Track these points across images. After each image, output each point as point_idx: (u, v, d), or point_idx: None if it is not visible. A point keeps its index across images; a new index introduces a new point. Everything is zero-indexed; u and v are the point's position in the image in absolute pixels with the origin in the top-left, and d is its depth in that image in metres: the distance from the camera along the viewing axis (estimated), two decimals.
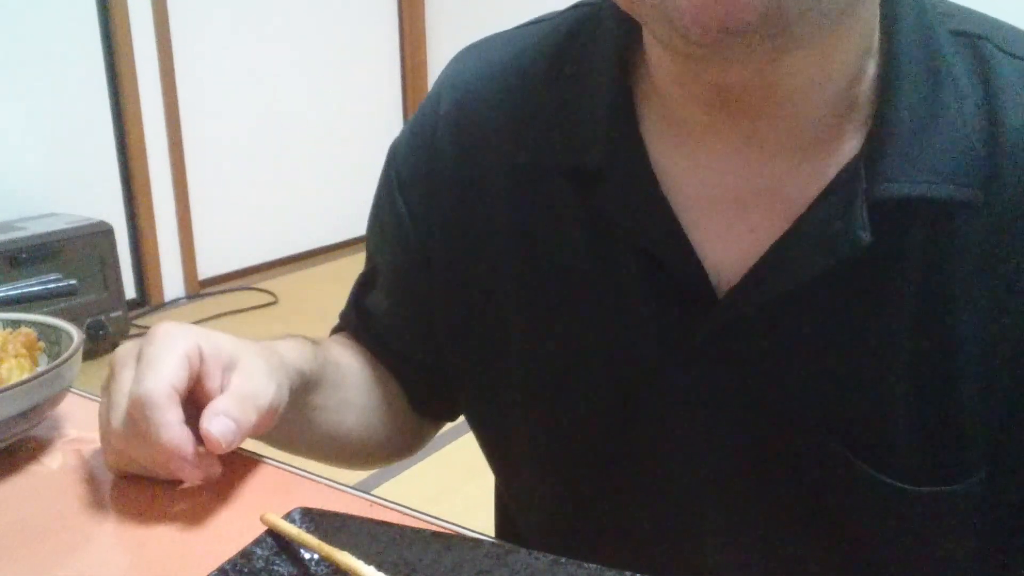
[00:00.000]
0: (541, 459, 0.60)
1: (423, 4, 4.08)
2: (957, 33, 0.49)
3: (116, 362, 0.50)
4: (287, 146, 3.66)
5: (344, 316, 0.71)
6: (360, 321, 0.68)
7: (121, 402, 0.48)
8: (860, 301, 0.48)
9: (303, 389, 0.57)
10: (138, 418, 0.46)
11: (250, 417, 0.48)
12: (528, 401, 0.58)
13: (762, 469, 0.52)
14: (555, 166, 0.54)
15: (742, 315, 0.49)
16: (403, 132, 0.64)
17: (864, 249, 0.46)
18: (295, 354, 0.57)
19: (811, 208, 0.48)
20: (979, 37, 0.49)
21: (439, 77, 0.63)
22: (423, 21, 4.10)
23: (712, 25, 0.40)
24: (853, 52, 0.47)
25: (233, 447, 0.48)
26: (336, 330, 0.72)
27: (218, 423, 0.47)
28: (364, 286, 0.68)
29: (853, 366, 0.49)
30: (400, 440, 0.70)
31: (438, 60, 4.05)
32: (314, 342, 0.63)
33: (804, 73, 0.46)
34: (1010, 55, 0.48)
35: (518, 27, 0.62)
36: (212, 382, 0.49)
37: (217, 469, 0.49)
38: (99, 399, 0.53)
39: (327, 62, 3.78)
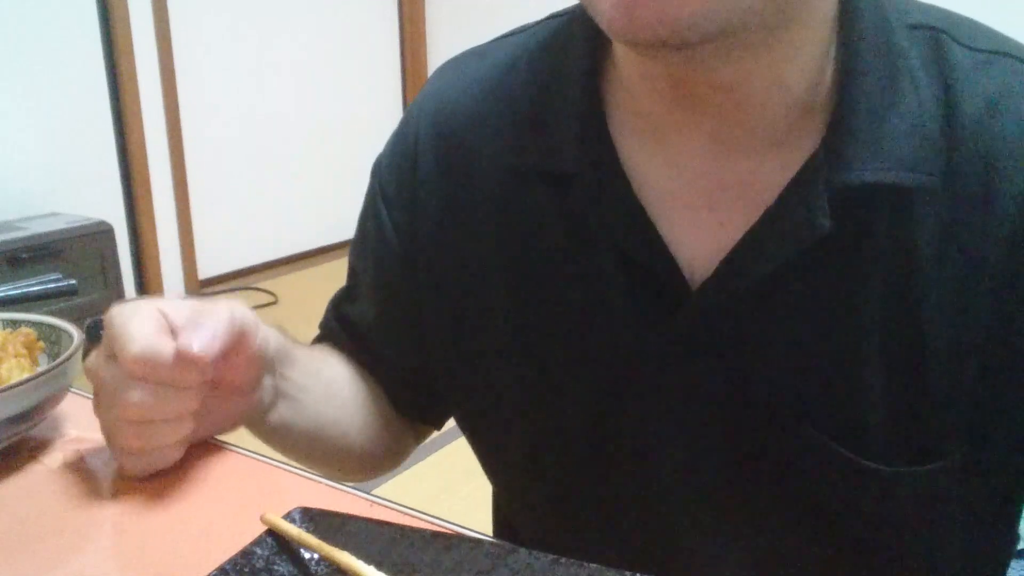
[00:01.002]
0: (529, 459, 0.61)
1: (423, 4, 4.08)
2: (914, 27, 0.50)
3: (90, 366, 0.52)
4: (287, 146, 3.66)
5: (324, 327, 0.72)
6: (344, 331, 0.69)
7: (106, 378, 0.49)
8: (829, 288, 0.50)
9: (282, 356, 0.58)
10: (123, 371, 0.48)
11: (224, 323, 0.50)
12: (514, 401, 0.59)
13: (742, 457, 0.53)
14: (532, 170, 0.55)
15: (715, 306, 0.51)
16: (385, 147, 0.65)
17: (826, 235, 0.48)
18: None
19: (777, 200, 0.49)
20: (936, 30, 0.50)
21: (420, 92, 0.64)
22: (423, 21, 4.10)
23: (620, 33, 0.44)
24: (811, 54, 0.48)
25: (214, 350, 0.49)
26: (317, 340, 0.72)
27: (190, 334, 0.48)
28: (345, 299, 0.70)
29: (825, 351, 0.50)
30: (386, 444, 0.71)
31: (438, 60, 4.03)
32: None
33: (761, 76, 0.48)
34: (965, 47, 0.50)
35: (495, 40, 0.63)
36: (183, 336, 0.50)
37: (208, 369, 0.50)
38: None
39: (327, 62, 3.78)
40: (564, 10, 0.59)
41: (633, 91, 0.53)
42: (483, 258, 0.58)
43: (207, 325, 0.49)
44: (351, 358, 0.69)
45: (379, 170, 0.65)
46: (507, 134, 0.57)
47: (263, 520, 0.43)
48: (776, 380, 0.51)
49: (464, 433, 0.66)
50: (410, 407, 0.70)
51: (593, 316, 0.54)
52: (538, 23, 0.61)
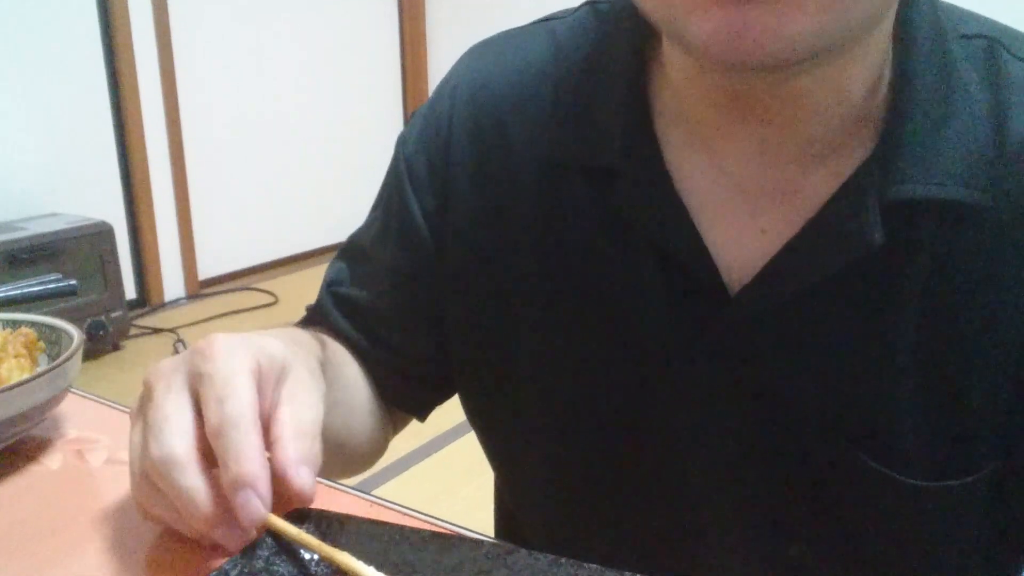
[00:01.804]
0: (548, 454, 0.60)
1: (423, 4, 4.08)
2: (969, 37, 0.49)
3: (157, 380, 0.43)
4: (287, 146, 3.66)
5: (318, 309, 0.66)
6: (343, 315, 0.65)
7: (165, 428, 0.40)
8: (869, 301, 0.49)
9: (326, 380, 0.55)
10: (220, 442, 0.40)
11: (318, 452, 0.43)
12: (538, 396, 0.58)
13: (771, 465, 0.53)
14: (572, 164, 0.54)
15: (754, 313, 0.50)
16: (412, 127, 0.63)
17: (875, 249, 0.47)
18: (313, 348, 0.55)
19: (824, 209, 0.48)
20: (990, 40, 0.49)
21: (451, 72, 0.62)
22: (423, 21, 4.10)
23: (722, 58, 0.41)
24: (870, 67, 0.47)
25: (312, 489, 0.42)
26: (304, 322, 0.68)
27: (306, 474, 0.41)
28: (345, 283, 0.65)
29: (862, 364, 0.50)
30: (374, 439, 0.68)
31: (438, 60, 4.06)
32: (311, 334, 0.60)
33: (820, 90, 0.47)
34: (1019, 59, 0.49)
35: (529, 25, 0.61)
36: (266, 401, 0.42)
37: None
38: (99, 399, 0.53)
39: (327, 62, 3.78)
40: (597, 0, 0.58)
41: (681, 95, 0.52)
42: (516, 250, 0.57)
43: (312, 456, 0.41)
44: (341, 343, 0.65)
45: (406, 148, 0.62)
46: (549, 125, 0.56)
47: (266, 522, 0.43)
48: (809, 391, 0.50)
49: (474, 426, 0.65)
50: (401, 396, 0.67)
51: (627, 314, 0.54)
52: (573, 12, 0.59)
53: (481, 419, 0.64)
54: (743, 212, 0.51)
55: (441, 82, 0.63)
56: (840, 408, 0.50)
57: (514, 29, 0.62)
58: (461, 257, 0.59)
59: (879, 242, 0.46)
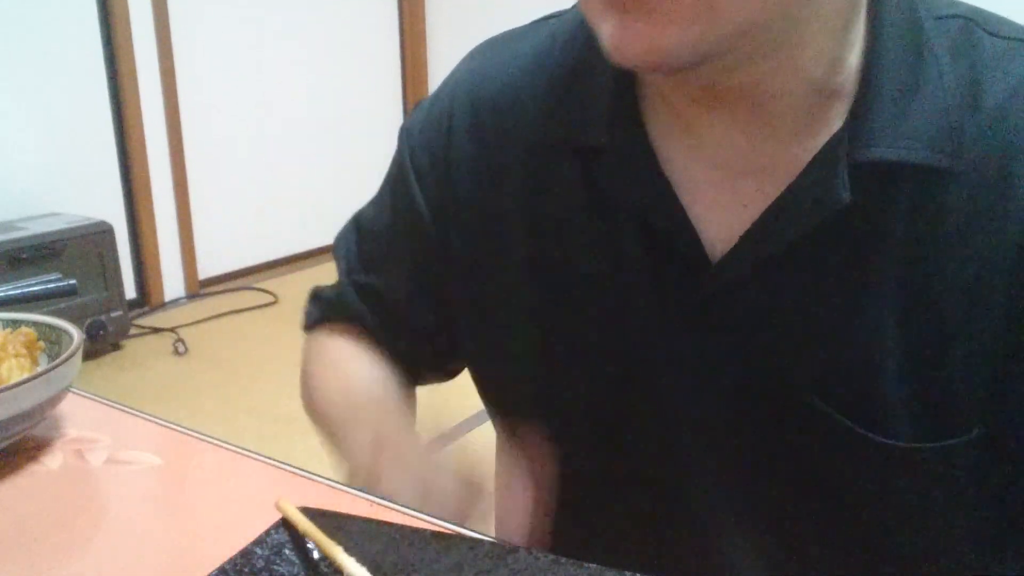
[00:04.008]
0: (548, 424, 0.61)
1: (423, 4, 4.08)
2: (943, 17, 0.51)
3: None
4: (287, 146, 3.66)
5: (341, 304, 0.70)
6: (368, 305, 0.68)
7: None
8: (847, 264, 0.50)
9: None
10: None
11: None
12: (534, 370, 0.60)
13: (758, 431, 0.54)
14: (561, 144, 0.57)
15: (735, 279, 0.52)
16: (415, 119, 0.65)
17: (846, 209, 0.48)
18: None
19: (799, 176, 0.50)
20: (965, 19, 0.51)
21: (453, 71, 0.65)
22: (423, 21, 4.10)
23: (619, 61, 0.45)
24: (825, 41, 0.48)
25: None
26: (321, 320, 0.72)
27: None
28: (361, 270, 0.69)
29: (843, 327, 0.51)
30: (414, 403, 0.73)
31: (438, 60, 4.05)
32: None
33: (777, 72, 0.48)
34: (994, 35, 0.51)
35: (529, 24, 0.64)
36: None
37: None
38: (99, 399, 0.53)
39: (327, 62, 3.78)
40: None
41: (658, 84, 0.54)
42: (509, 229, 0.59)
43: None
44: (375, 340, 0.68)
45: (410, 140, 0.65)
46: (540, 111, 0.58)
47: (277, 506, 0.44)
48: (793, 355, 0.52)
49: (484, 404, 0.67)
50: (431, 364, 0.71)
51: (613, 287, 0.55)
52: (572, 9, 0.61)
53: (486, 389, 0.67)
54: (724, 188, 0.52)
55: (444, 80, 0.65)
56: (822, 371, 0.52)
57: (515, 29, 0.65)
58: (462, 242, 0.62)
59: (846, 201, 0.48)
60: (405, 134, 0.66)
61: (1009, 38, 0.51)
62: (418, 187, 0.63)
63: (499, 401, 0.66)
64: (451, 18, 4.02)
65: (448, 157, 0.62)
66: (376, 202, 0.69)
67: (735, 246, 0.51)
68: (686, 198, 0.53)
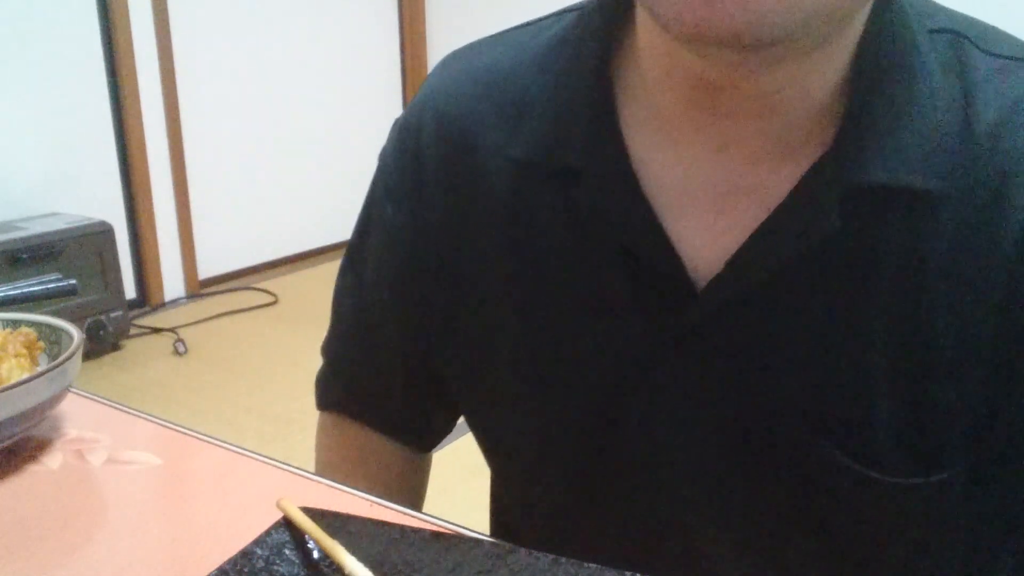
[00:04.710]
0: (535, 457, 0.60)
1: (423, 4, 4.08)
2: (935, 31, 0.49)
3: None
4: (287, 146, 3.66)
5: (330, 396, 0.69)
6: (357, 385, 0.67)
7: None
8: (835, 292, 0.49)
9: None
10: None
11: None
12: (520, 398, 0.58)
13: (746, 461, 0.53)
14: (538, 164, 0.54)
15: (721, 307, 0.50)
16: (390, 140, 0.63)
17: (834, 235, 0.47)
18: None
19: (786, 199, 0.48)
20: (957, 35, 0.49)
21: (423, 84, 0.63)
22: (423, 21, 4.10)
23: (693, 29, 0.41)
24: (835, 70, 0.48)
25: None
26: (323, 407, 0.70)
27: None
28: (344, 339, 0.68)
29: (832, 357, 0.49)
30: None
31: (438, 60, 4.05)
32: None
33: (787, 88, 0.47)
34: (987, 52, 0.49)
35: (499, 33, 0.62)
36: None
37: None
38: (99, 399, 0.53)
39: (327, 62, 3.78)
40: (574, 5, 0.58)
41: (651, 90, 0.52)
42: (488, 253, 0.57)
43: None
44: (370, 420, 0.67)
45: (384, 161, 0.63)
46: (513, 128, 0.56)
47: (279, 505, 0.44)
48: (780, 384, 0.50)
49: (473, 432, 0.65)
50: (418, 434, 0.69)
51: (597, 315, 0.54)
52: (548, 17, 0.59)
53: (472, 422, 0.65)
54: (709, 209, 0.51)
55: (415, 95, 0.63)
56: (810, 401, 0.50)
57: (487, 36, 0.62)
58: (440, 264, 0.59)
59: (835, 226, 0.47)
60: (380, 158, 0.63)
61: (1001, 56, 0.49)
62: (393, 211, 0.61)
63: (484, 427, 0.64)
64: (451, 18, 4.02)
65: (421, 180, 0.59)
66: (357, 226, 0.66)
67: (720, 273, 0.49)
68: (669, 220, 0.51)
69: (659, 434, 0.54)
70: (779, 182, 0.49)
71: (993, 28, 0.52)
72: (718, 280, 0.50)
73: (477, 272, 0.58)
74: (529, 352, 0.57)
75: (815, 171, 0.48)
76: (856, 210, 0.47)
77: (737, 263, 0.49)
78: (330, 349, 0.69)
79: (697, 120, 0.50)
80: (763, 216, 0.49)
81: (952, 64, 0.48)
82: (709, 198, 0.51)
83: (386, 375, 0.66)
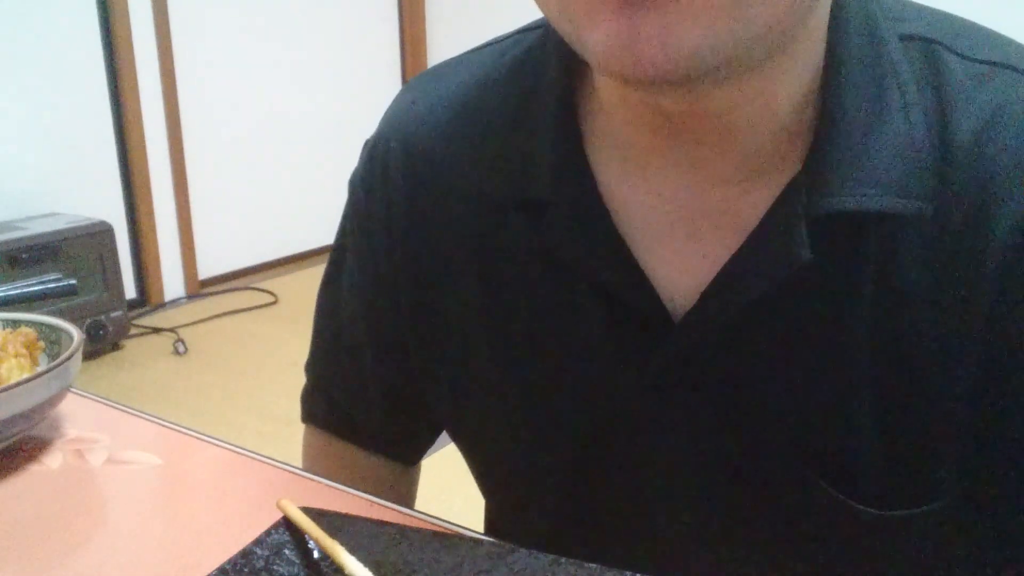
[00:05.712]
0: (522, 491, 0.60)
1: (423, 4, 4.08)
2: (907, 37, 0.47)
3: None
4: (287, 146, 3.66)
5: (314, 413, 0.68)
6: (332, 414, 0.66)
7: None
8: (814, 320, 0.47)
9: None
10: None
11: None
12: (500, 436, 0.57)
13: (732, 494, 0.51)
14: (507, 198, 0.52)
15: (697, 340, 0.48)
16: (359, 167, 0.61)
17: (807, 265, 0.44)
18: None
19: (757, 228, 0.46)
20: (930, 41, 0.47)
21: (387, 109, 0.61)
22: (423, 21, 4.10)
23: (617, 71, 0.39)
24: (800, 75, 0.45)
25: None
26: (310, 419, 0.69)
27: None
28: (324, 358, 0.66)
29: (814, 387, 0.48)
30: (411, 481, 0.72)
31: (438, 60, 4.05)
32: None
33: (750, 101, 0.45)
34: (962, 57, 0.46)
35: (463, 55, 0.60)
36: None
37: None
38: (99, 399, 0.53)
39: (327, 63, 3.78)
40: (536, 22, 0.55)
41: (612, 118, 0.50)
42: (460, 288, 0.55)
43: None
44: (354, 438, 0.66)
45: (355, 188, 0.61)
46: (479, 159, 0.54)
47: (279, 506, 0.44)
48: (762, 415, 0.49)
49: (461, 453, 0.65)
50: (403, 449, 0.68)
51: (573, 351, 0.52)
52: (508, 36, 0.58)
53: (459, 445, 0.64)
54: (682, 236, 0.49)
55: (382, 118, 0.61)
56: (794, 432, 0.49)
57: (447, 61, 0.61)
58: (413, 297, 0.58)
59: (806, 259, 0.44)
60: (351, 184, 0.61)
61: (978, 60, 0.46)
62: (367, 244, 0.59)
63: (472, 461, 0.63)
64: (451, 18, 4.02)
65: (390, 212, 0.57)
66: (332, 253, 0.66)
67: (696, 305, 0.48)
68: (642, 251, 0.49)
69: (643, 468, 0.53)
70: (752, 204, 0.47)
71: (971, 26, 0.49)
72: (694, 312, 0.48)
73: (450, 307, 0.56)
74: (507, 390, 0.55)
75: (785, 196, 0.46)
76: (830, 238, 0.45)
77: (711, 295, 0.47)
78: (312, 367, 0.68)
79: (660, 146, 0.48)
80: (737, 241, 0.47)
81: (926, 75, 0.46)
82: (681, 223, 0.49)
83: (367, 397, 0.64)
